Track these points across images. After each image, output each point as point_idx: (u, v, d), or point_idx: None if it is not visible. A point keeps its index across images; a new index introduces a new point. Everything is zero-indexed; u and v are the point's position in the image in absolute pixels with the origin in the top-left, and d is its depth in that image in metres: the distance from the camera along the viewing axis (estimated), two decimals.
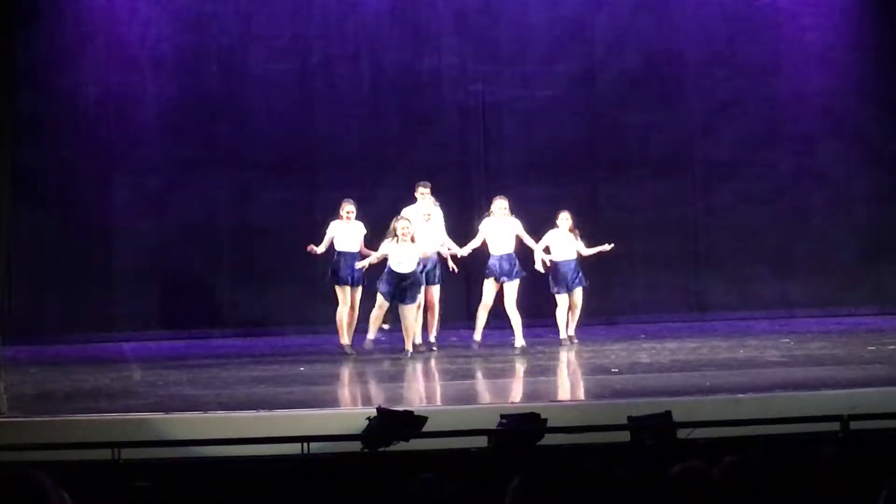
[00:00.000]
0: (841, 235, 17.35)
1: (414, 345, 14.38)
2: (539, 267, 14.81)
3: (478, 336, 14.79)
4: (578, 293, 14.98)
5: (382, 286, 14.20)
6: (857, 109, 17.41)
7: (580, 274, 15.00)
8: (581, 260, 15.03)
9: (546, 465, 4.32)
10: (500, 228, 14.75)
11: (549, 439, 9.33)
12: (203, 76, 16.63)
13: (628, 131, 17.14)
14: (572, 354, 14.51)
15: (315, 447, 9.03)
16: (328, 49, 16.81)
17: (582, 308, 15.03)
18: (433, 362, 14.19)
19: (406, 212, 14.77)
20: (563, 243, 14.93)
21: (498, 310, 14.84)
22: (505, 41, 17.03)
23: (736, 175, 17.23)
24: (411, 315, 14.23)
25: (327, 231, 14.63)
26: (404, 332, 14.32)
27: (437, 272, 14.81)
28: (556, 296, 14.95)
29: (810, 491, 4.89)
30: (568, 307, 14.94)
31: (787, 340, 14.99)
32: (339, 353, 14.38)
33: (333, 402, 12.29)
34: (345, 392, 12.76)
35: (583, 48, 17.10)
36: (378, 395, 12.03)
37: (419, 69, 16.91)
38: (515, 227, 14.81)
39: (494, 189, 16.92)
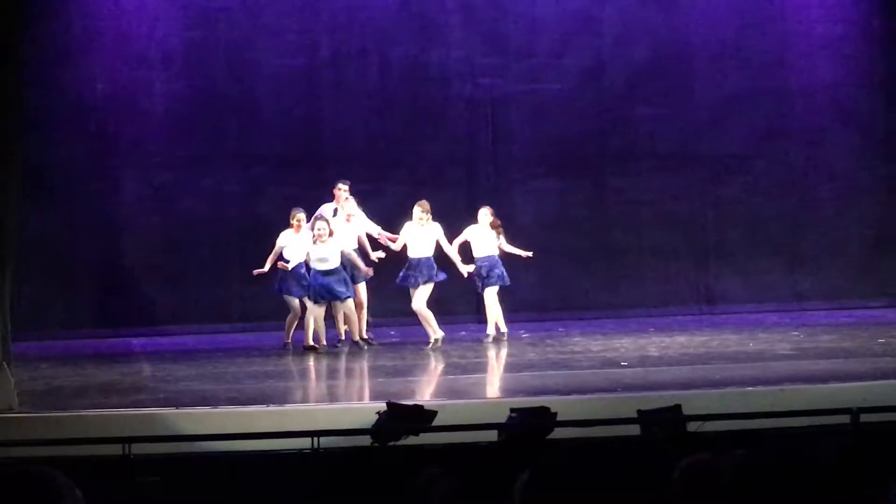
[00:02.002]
0: (851, 228, 17.33)
1: (362, 338, 14.47)
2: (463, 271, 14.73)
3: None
4: (491, 292, 14.83)
5: (298, 291, 14.24)
6: (866, 102, 17.38)
7: (495, 272, 14.82)
8: (504, 256, 14.90)
9: (555, 459, 4.33)
10: (419, 232, 14.65)
11: (558, 433, 9.33)
12: (211, 72, 16.63)
13: (637, 125, 17.12)
14: (583, 348, 14.49)
15: (325, 442, 9.03)
16: (336, 44, 16.81)
17: (488, 306, 14.89)
18: (444, 357, 14.18)
19: (324, 209, 14.77)
20: (482, 240, 14.81)
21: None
22: (513, 35, 17.02)
23: (745, 168, 17.21)
24: (350, 307, 14.23)
25: (277, 241, 14.60)
26: (349, 325, 14.29)
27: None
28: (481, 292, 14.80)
29: (820, 484, 4.89)
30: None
31: (797, 333, 14.98)
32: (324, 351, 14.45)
33: (343, 396, 12.29)
34: (355, 386, 12.75)
35: (591, 42, 17.09)
36: (387, 389, 12.01)
37: (427, 63, 16.90)
38: (436, 232, 14.70)
39: (503, 183, 16.95)
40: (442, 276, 14.64)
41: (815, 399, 10.57)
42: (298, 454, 8.99)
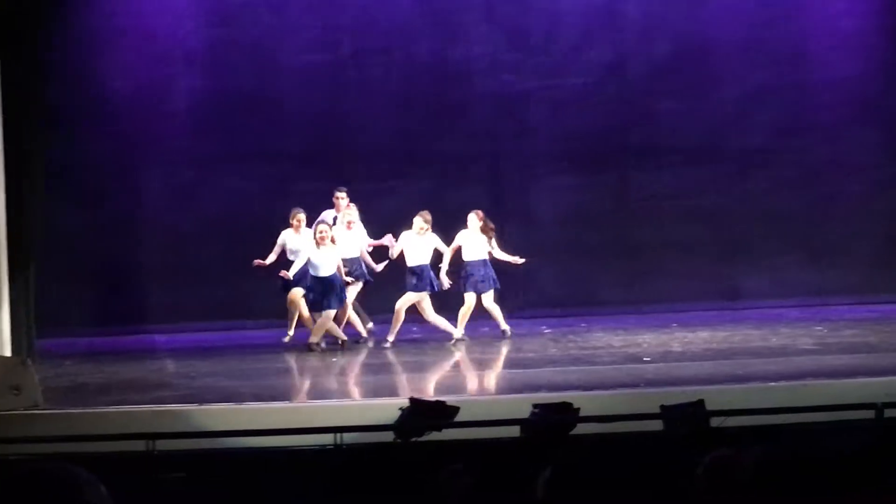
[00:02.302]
0: (874, 222, 17.25)
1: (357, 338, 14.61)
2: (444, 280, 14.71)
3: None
4: (475, 297, 14.78)
5: (308, 295, 14.28)
6: (888, 96, 17.29)
7: (482, 277, 14.77)
8: (494, 261, 14.86)
9: (577, 455, 4.33)
10: (417, 242, 14.65)
11: (581, 429, 9.33)
12: (234, 69, 16.66)
13: (659, 119, 17.09)
14: (607, 343, 14.47)
15: (348, 438, 9.05)
16: (359, 40, 16.82)
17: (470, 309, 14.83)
18: (466, 353, 14.19)
19: (325, 216, 14.83)
20: (472, 244, 14.79)
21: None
22: (535, 30, 17.00)
23: (767, 162, 17.15)
24: (329, 318, 14.26)
25: (278, 240, 14.67)
26: (316, 328, 14.33)
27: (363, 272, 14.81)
28: (464, 294, 14.80)
29: (843, 479, 4.89)
30: (469, 306, 14.77)
31: (820, 328, 14.94)
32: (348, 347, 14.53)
33: (366, 392, 12.31)
34: (377, 382, 12.76)
35: (613, 36, 17.05)
36: (410, 385, 12.04)
37: (450, 59, 16.90)
38: (434, 241, 14.71)
39: (526, 179, 16.93)
40: (437, 286, 14.61)
41: (838, 394, 10.55)
42: (321, 450, 9.01)
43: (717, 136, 17.13)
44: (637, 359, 13.31)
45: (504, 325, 14.96)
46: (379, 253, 14.93)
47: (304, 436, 9.40)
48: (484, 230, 14.81)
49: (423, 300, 14.62)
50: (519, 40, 16.95)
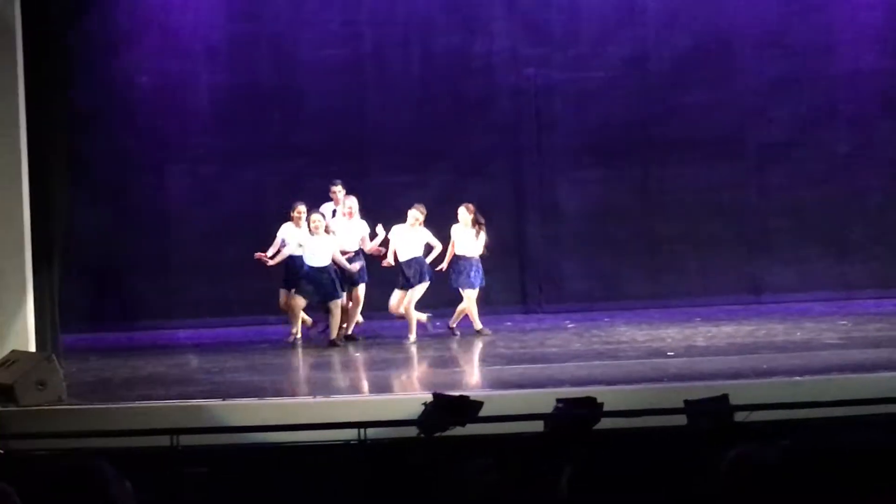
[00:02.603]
0: None
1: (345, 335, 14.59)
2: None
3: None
4: (469, 294, 14.75)
5: (303, 285, 14.30)
6: None
7: (467, 272, 14.71)
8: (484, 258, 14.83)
9: (600, 450, 4.32)
10: (409, 235, 14.63)
11: (604, 423, 9.31)
12: (255, 64, 16.69)
13: (681, 113, 17.04)
14: (630, 338, 14.45)
15: (371, 433, 9.05)
16: (379, 35, 16.82)
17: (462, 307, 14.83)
18: (489, 347, 14.18)
19: (324, 209, 14.91)
20: (462, 239, 14.74)
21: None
22: (556, 24, 16.97)
23: (790, 156, 17.09)
24: (337, 309, 14.29)
25: (279, 233, 14.74)
26: (332, 323, 14.35)
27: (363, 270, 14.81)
28: (461, 291, 14.77)
29: (870, 474, 4.86)
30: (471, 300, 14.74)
31: (845, 322, 14.88)
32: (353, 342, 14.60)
33: (389, 387, 12.31)
34: (401, 377, 12.77)
35: (635, 30, 17.01)
36: (433, 379, 12.04)
37: (470, 53, 16.88)
38: (425, 235, 14.69)
39: (548, 172, 16.91)
40: (429, 279, 14.59)
41: (863, 388, 10.50)
42: (345, 445, 9.02)
43: (741, 130, 17.07)
44: (661, 353, 13.28)
45: (477, 324, 14.87)
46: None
47: (327, 431, 9.41)
48: (474, 224, 14.73)
49: (412, 290, 14.56)
50: (540, 34, 16.92)
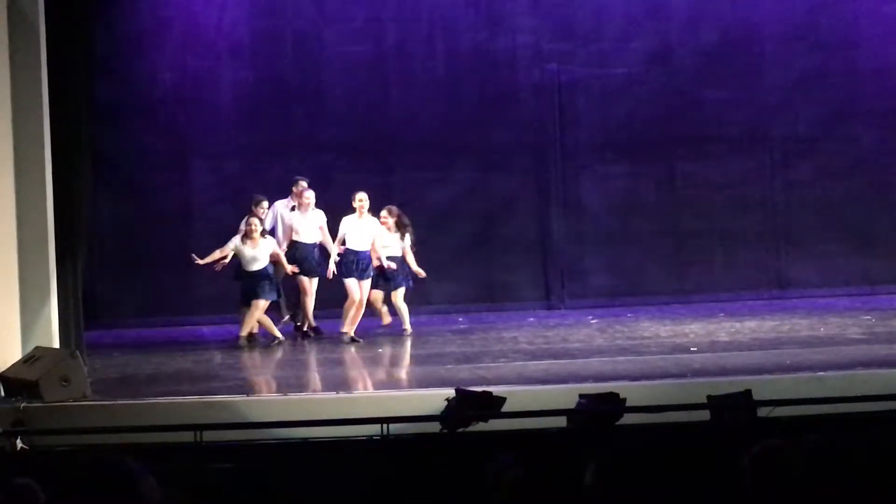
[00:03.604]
0: None
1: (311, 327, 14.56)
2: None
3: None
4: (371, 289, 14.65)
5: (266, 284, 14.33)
6: None
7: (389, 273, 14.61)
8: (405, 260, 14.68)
9: (624, 446, 4.31)
10: (358, 226, 14.58)
11: (627, 419, 9.30)
12: (278, 60, 16.70)
13: (705, 108, 17.00)
14: (652, 333, 14.41)
15: (394, 428, 9.06)
16: (403, 30, 16.82)
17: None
18: (512, 343, 14.17)
19: (279, 206, 14.90)
20: (386, 240, 14.62)
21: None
22: (580, 20, 16.94)
23: (815, 150, 17.03)
24: (257, 310, 14.24)
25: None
26: (246, 321, 14.30)
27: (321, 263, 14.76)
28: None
29: (894, 470, 4.84)
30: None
31: (869, 317, 14.83)
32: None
33: (413, 383, 12.32)
34: (423, 373, 12.77)
35: (658, 25, 16.97)
36: (456, 375, 12.04)
37: (494, 49, 16.87)
38: (373, 226, 14.57)
39: (571, 168, 16.89)
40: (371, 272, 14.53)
41: (887, 384, 10.47)
42: (368, 441, 9.03)
43: (765, 124, 17.03)
44: (684, 349, 13.25)
45: (386, 319, 14.83)
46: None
47: (351, 426, 9.42)
48: (398, 226, 14.65)
49: (363, 286, 14.52)
50: (563, 30, 16.90)
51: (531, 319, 15.74)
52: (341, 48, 16.71)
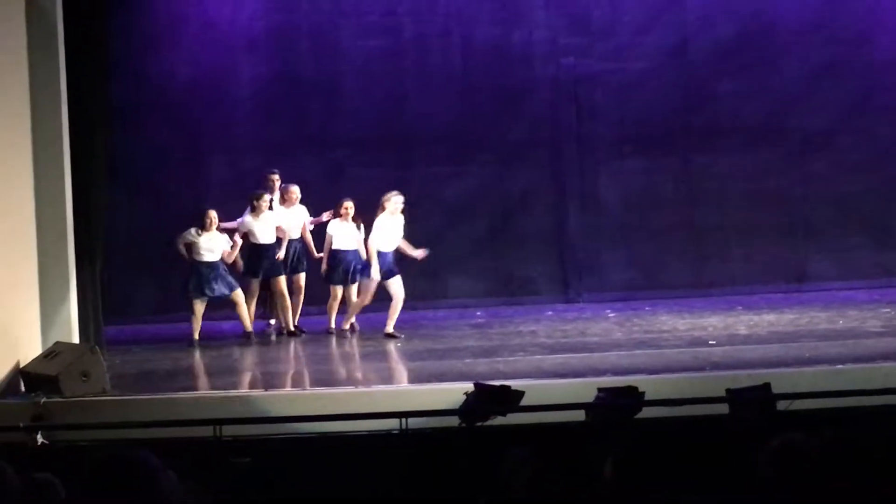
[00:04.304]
0: None
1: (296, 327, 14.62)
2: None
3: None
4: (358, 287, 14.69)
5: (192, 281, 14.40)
6: None
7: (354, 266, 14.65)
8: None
9: (643, 440, 4.31)
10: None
11: (646, 412, 9.30)
12: (294, 55, 16.70)
13: (722, 101, 16.96)
14: (669, 327, 14.40)
15: (413, 422, 9.07)
16: (419, 25, 16.81)
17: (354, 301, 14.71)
18: (531, 337, 14.16)
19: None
20: (344, 233, 14.68)
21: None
22: (596, 14, 16.91)
23: (833, 144, 16.98)
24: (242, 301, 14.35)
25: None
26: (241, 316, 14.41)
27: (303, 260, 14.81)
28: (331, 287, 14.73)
29: None
30: (340, 299, 14.68)
31: (888, 310, 14.79)
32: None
33: (431, 377, 12.32)
34: (442, 367, 12.78)
35: (675, 19, 16.93)
36: (474, 369, 12.04)
37: (510, 43, 16.85)
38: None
39: (588, 162, 16.87)
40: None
41: None
42: (387, 435, 9.04)
43: (781, 118, 16.98)
44: (702, 342, 13.24)
45: (352, 321, 14.82)
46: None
47: (370, 421, 9.44)
48: (355, 219, 14.67)
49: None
50: (580, 24, 16.86)
51: (549, 313, 15.73)
52: (357, 43, 16.70)
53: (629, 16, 16.89)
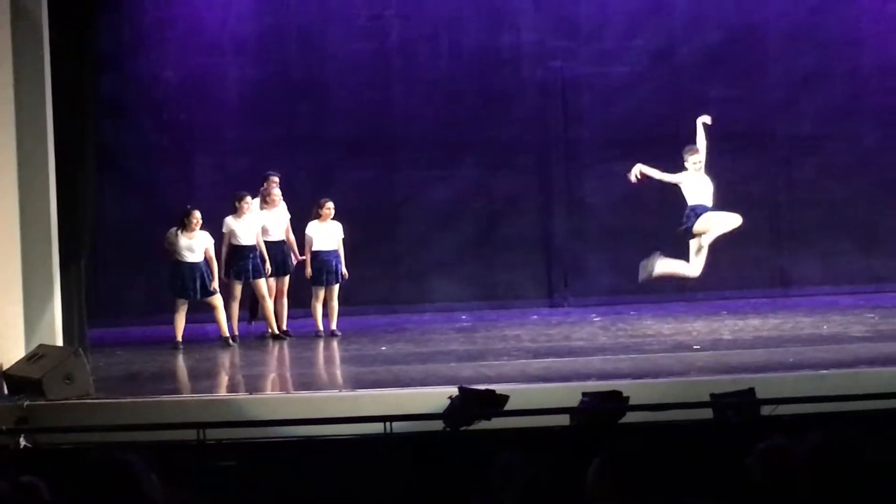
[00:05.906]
0: None
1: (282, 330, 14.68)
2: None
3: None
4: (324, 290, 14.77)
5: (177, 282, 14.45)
6: None
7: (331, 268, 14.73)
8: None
9: (626, 444, 4.31)
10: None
11: (630, 417, 9.30)
12: (283, 57, 16.69)
13: (709, 106, 16.92)
14: (655, 331, 14.41)
15: (397, 426, 9.06)
16: (407, 28, 16.81)
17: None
18: (515, 341, 14.17)
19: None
20: (323, 234, 14.73)
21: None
22: (583, 17, 16.93)
23: (819, 149, 17.02)
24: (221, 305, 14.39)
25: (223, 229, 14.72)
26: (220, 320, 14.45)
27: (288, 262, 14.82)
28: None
29: None
30: (322, 300, 14.74)
31: (872, 315, 14.82)
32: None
33: (415, 381, 12.31)
34: (426, 371, 12.77)
35: (662, 23, 16.96)
36: (459, 373, 12.04)
37: (498, 47, 16.86)
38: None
39: (575, 166, 16.87)
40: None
41: (891, 382, 10.46)
42: (371, 439, 9.03)
43: (768, 123, 17.02)
44: (687, 347, 13.25)
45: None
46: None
47: (353, 424, 9.43)
48: (335, 219, 14.73)
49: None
50: (567, 28, 16.89)
51: (534, 317, 15.73)
52: (345, 45, 16.70)
53: (616, 20, 16.91)
